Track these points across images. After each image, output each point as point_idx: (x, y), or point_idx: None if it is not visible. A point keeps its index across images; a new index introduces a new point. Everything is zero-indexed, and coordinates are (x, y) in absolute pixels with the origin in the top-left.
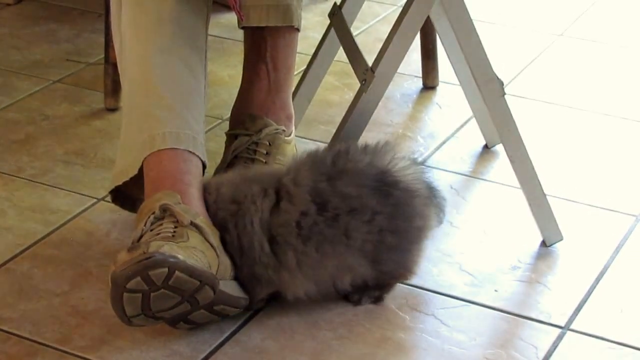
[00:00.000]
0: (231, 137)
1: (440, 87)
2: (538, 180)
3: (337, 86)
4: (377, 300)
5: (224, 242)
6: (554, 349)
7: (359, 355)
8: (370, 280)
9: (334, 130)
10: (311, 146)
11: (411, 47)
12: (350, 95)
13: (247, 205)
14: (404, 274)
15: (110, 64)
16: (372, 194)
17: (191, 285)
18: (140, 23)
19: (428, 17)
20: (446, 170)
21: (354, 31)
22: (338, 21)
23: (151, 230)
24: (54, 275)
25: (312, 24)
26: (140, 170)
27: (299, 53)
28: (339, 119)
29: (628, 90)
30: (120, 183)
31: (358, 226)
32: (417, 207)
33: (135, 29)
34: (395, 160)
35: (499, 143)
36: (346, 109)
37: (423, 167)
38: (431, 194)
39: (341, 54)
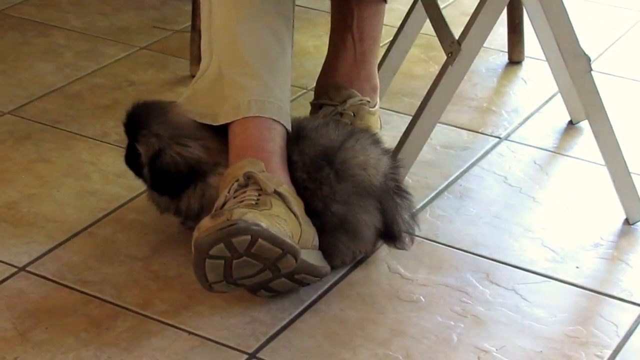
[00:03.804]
0: (316, 107)
1: (526, 62)
2: (623, 158)
3: (423, 59)
4: None
5: None
6: (635, 327)
7: (438, 328)
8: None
9: (418, 103)
10: (395, 118)
11: (497, 21)
12: (435, 68)
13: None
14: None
15: (196, 31)
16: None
17: (273, 254)
18: None
19: None
20: (530, 146)
21: (440, 4)
22: None
23: (234, 198)
24: (136, 240)
25: None
26: None
27: (385, 25)
28: (423, 92)
29: None
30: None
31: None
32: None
33: None
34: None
35: (584, 119)
36: (430, 82)
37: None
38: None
39: (427, 27)
